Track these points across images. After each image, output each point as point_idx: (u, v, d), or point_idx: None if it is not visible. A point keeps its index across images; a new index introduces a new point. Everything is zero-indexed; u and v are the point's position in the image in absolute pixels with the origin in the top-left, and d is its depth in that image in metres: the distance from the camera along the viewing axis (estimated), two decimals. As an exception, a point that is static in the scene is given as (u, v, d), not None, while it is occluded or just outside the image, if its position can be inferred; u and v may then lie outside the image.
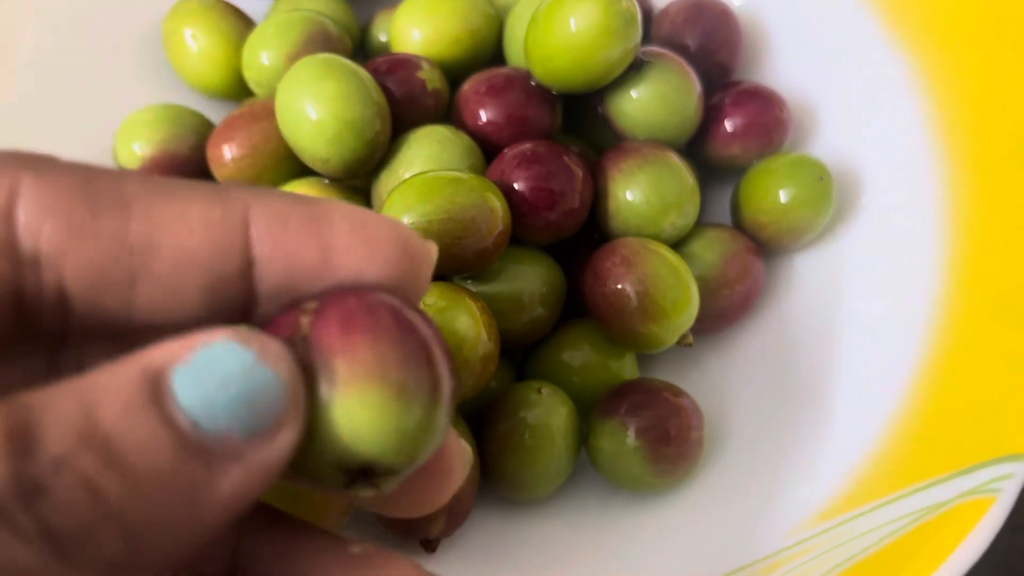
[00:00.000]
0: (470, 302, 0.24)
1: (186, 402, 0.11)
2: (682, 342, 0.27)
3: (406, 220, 0.24)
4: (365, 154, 0.26)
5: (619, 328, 0.26)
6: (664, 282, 0.26)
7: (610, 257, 0.26)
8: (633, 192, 0.27)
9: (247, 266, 0.13)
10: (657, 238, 0.27)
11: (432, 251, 0.15)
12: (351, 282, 0.14)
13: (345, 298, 0.13)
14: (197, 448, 0.11)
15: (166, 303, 0.13)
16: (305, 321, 0.13)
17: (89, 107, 0.30)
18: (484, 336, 0.24)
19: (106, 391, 0.11)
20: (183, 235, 0.13)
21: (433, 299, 0.24)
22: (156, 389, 0.11)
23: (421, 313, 0.14)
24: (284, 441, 0.12)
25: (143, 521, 0.11)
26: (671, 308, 0.26)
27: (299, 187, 0.27)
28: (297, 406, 0.12)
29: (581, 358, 0.27)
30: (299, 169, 0.28)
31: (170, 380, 0.11)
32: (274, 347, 0.12)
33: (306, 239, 0.14)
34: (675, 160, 0.28)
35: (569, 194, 0.27)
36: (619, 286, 0.26)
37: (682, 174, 0.28)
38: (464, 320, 0.24)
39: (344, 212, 0.14)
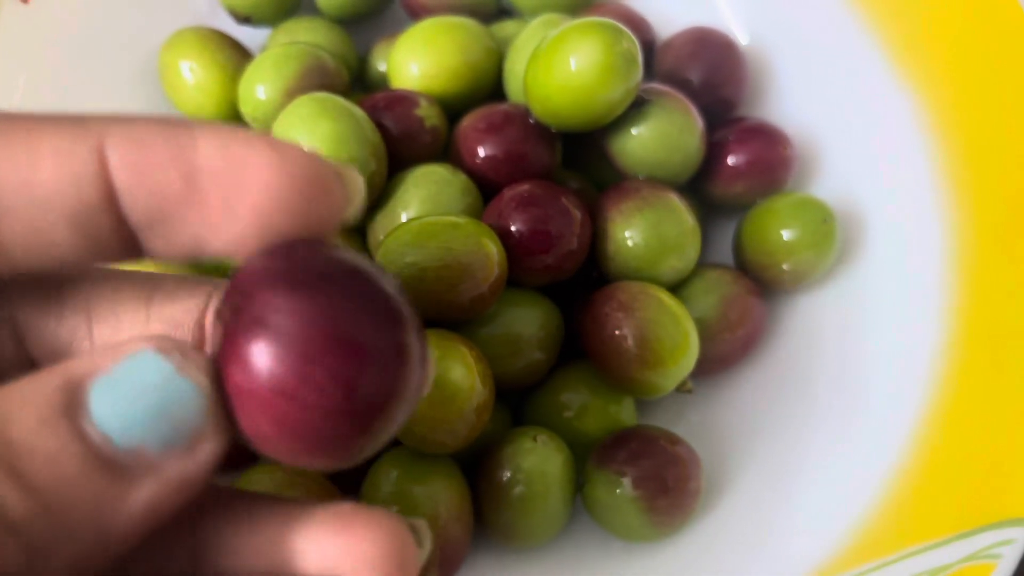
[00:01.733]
0: (464, 350, 0.24)
1: (100, 415, 0.11)
2: (681, 389, 0.26)
3: (404, 262, 0.24)
4: (360, 195, 0.26)
5: (617, 374, 0.26)
6: (663, 329, 0.25)
7: (608, 302, 0.26)
8: (632, 234, 0.27)
9: (109, 196, 0.13)
10: (656, 281, 0.27)
11: (345, 176, 0.14)
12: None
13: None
14: (107, 462, 0.11)
15: (36, 241, 0.13)
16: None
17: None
18: (479, 386, 0.24)
19: (22, 402, 0.11)
20: (31, 169, 0.12)
21: (427, 348, 0.23)
22: (71, 402, 0.11)
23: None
24: (203, 455, 0.12)
25: (46, 535, 0.11)
26: (669, 356, 0.25)
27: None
28: (218, 419, 0.12)
29: (579, 402, 0.27)
30: (294, 207, 0.27)
31: (87, 392, 0.11)
32: (196, 357, 0.12)
33: (166, 163, 0.13)
34: (676, 202, 0.27)
35: (567, 237, 0.26)
36: (617, 332, 0.25)
37: (682, 216, 0.27)
38: (458, 370, 0.23)
39: (211, 131, 0.13)
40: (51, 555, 0.11)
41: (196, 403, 0.11)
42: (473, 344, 0.25)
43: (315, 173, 0.13)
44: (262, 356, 0.11)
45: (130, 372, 0.11)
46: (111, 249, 0.13)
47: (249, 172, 0.13)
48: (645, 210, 0.27)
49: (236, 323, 0.12)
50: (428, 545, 0.14)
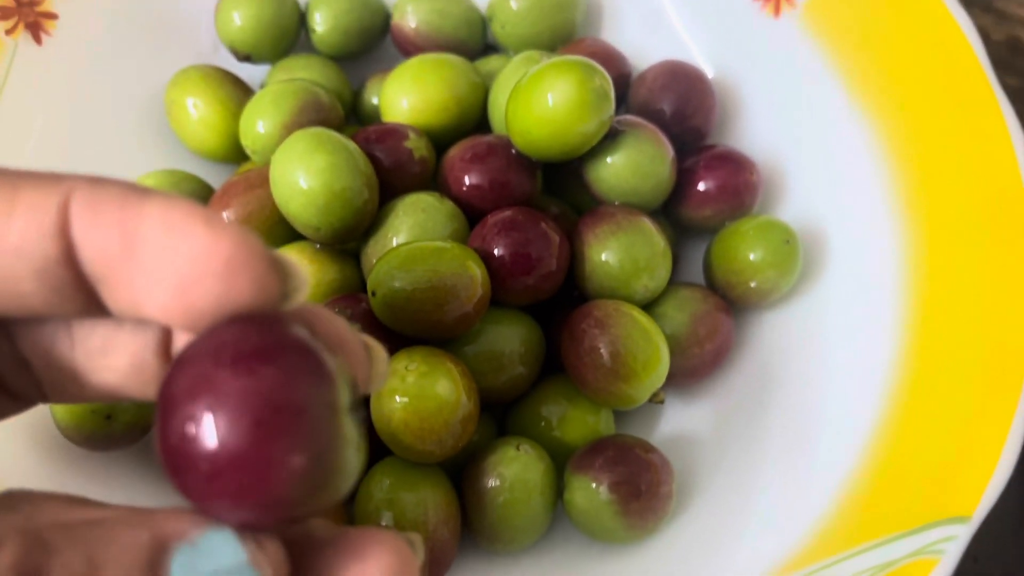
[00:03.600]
0: (451, 366, 0.26)
1: None
2: (654, 400, 0.28)
3: (394, 285, 0.26)
4: (354, 222, 0.28)
5: (593, 387, 0.28)
6: (635, 344, 0.27)
7: (585, 319, 0.28)
8: (607, 256, 0.29)
9: (68, 251, 0.13)
10: (630, 299, 0.29)
11: (284, 267, 0.14)
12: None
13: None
14: None
15: (6, 290, 0.13)
16: None
17: (97, 171, 0.32)
18: (464, 399, 0.25)
19: (115, 552, 0.12)
20: (6, 220, 0.13)
21: (415, 364, 0.25)
22: (156, 563, 0.12)
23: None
24: None
25: None
26: (642, 369, 0.27)
27: (290, 251, 0.29)
28: None
29: (559, 413, 0.29)
30: (292, 234, 0.29)
31: (170, 556, 0.12)
32: (271, 550, 0.13)
33: (111, 224, 0.13)
34: (648, 225, 0.29)
35: (546, 259, 0.28)
36: (593, 347, 0.27)
37: (654, 239, 0.29)
38: (445, 384, 0.25)
39: (160, 200, 0.13)
40: None
41: None
42: (459, 360, 0.26)
43: (244, 258, 0.13)
44: (191, 428, 0.12)
45: (210, 546, 0.12)
46: (75, 304, 0.14)
47: (180, 245, 0.13)
48: (619, 234, 0.29)
49: (173, 386, 0.13)
50: (422, 554, 0.15)
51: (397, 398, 0.25)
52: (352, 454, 0.13)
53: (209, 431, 0.12)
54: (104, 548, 0.12)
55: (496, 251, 0.28)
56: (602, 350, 0.27)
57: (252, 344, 0.13)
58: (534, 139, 0.29)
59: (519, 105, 0.29)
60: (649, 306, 0.30)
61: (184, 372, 0.13)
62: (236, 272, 0.13)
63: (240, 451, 0.12)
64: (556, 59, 0.28)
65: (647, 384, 0.27)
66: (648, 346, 0.27)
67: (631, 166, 0.30)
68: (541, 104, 0.28)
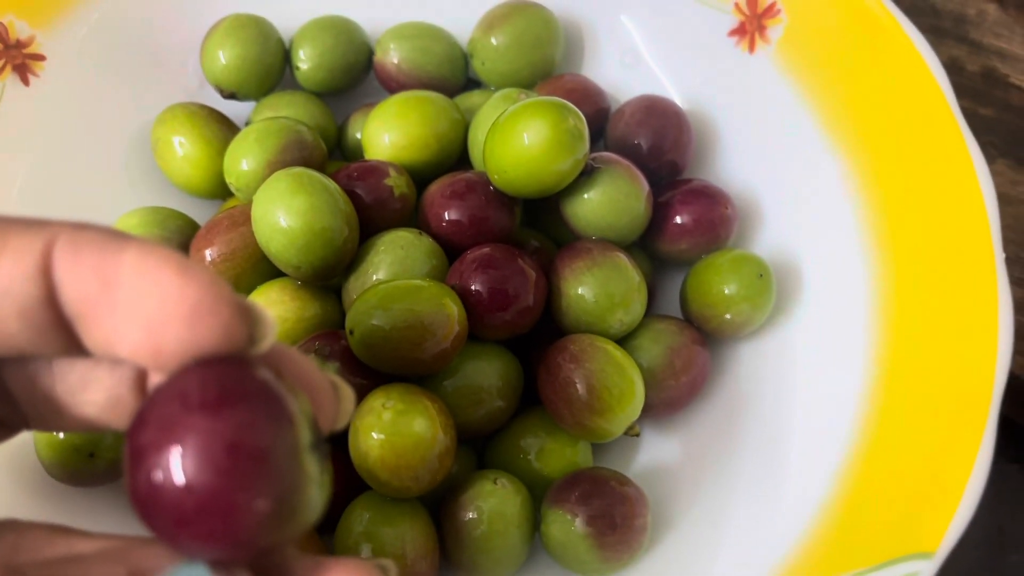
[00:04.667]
0: (427, 403, 0.26)
1: None
2: (629, 433, 0.29)
3: (372, 324, 0.26)
4: (334, 260, 0.28)
5: (569, 420, 0.28)
6: (610, 378, 0.28)
7: (560, 353, 0.28)
8: (583, 291, 0.29)
9: (49, 293, 0.14)
10: (606, 333, 0.29)
11: (252, 315, 0.14)
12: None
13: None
14: None
15: None
16: None
17: (85, 208, 0.32)
18: (441, 435, 0.26)
19: None
20: None
21: (392, 401, 0.26)
22: None
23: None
24: None
25: None
26: (616, 403, 0.28)
27: (272, 288, 0.29)
28: None
29: (538, 445, 0.29)
30: (275, 271, 0.30)
31: None
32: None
33: (91, 267, 0.14)
34: (623, 261, 0.30)
35: (523, 296, 0.29)
36: (568, 381, 0.28)
37: (629, 274, 0.30)
38: (421, 422, 0.26)
39: (139, 246, 0.14)
40: None
41: None
42: (436, 396, 0.27)
43: (211, 303, 0.14)
44: (158, 466, 0.13)
45: None
46: (56, 344, 0.15)
47: (152, 289, 0.14)
48: (594, 269, 0.29)
49: (138, 435, 0.13)
50: None
51: (374, 435, 0.25)
52: (315, 490, 0.14)
53: (174, 481, 0.13)
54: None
55: (474, 287, 0.28)
56: (577, 384, 0.28)
57: (214, 392, 0.13)
58: (510, 178, 0.29)
59: (496, 144, 0.29)
60: (625, 338, 0.30)
61: (148, 421, 0.13)
62: (202, 317, 0.14)
63: (205, 499, 0.13)
64: (531, 100, 0.29)
65: (622, 418, 0.28)
66: (622, 380, 0.28)
67: (607, 202, 0.30)
68: (517, 144, 0.29)
